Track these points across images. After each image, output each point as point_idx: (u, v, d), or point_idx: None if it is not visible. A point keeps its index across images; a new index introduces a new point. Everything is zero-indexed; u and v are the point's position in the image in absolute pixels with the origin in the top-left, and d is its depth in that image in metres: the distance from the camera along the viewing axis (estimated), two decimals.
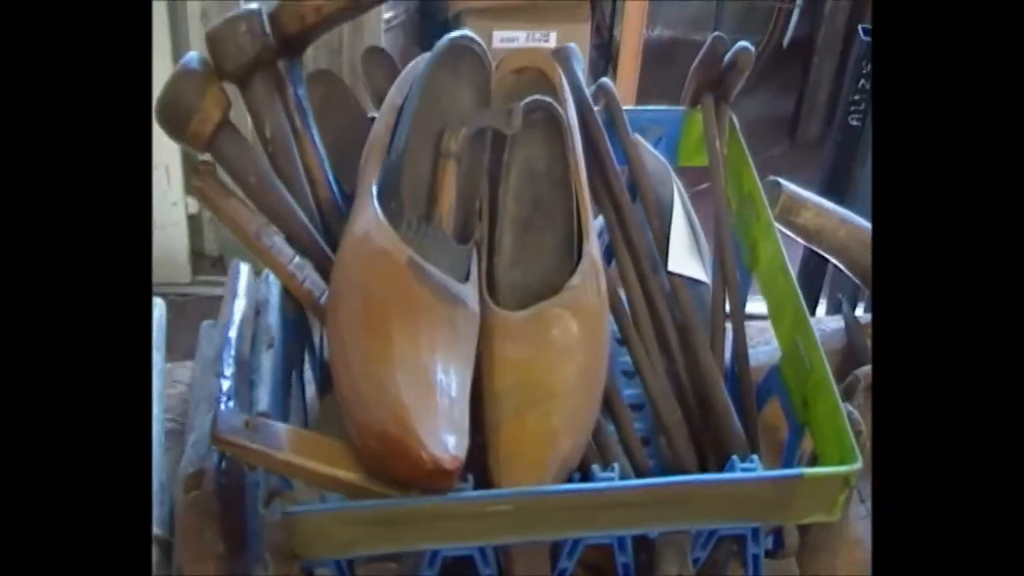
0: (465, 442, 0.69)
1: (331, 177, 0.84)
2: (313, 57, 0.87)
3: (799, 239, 1.04)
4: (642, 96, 2.37)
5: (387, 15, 2.10)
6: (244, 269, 1.01)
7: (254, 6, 0.80)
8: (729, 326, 0.89)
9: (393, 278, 0.72)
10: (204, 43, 0.80)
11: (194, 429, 0.87)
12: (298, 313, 0.85)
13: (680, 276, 0.88)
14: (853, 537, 0.88)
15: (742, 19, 2.93)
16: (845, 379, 0.95)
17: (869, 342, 1.03)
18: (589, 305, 0.78)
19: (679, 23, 2.99)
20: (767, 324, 0.90)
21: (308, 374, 0.90)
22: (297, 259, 0.79)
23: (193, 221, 2.23)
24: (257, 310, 0.98)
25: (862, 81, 1.66)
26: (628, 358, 0.86)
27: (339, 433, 0.72)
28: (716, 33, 0.94)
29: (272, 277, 0.96)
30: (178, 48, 1.99)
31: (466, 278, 0.77)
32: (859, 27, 1.70)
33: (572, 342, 0.76)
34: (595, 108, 0.92)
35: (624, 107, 0.95)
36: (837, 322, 1.07)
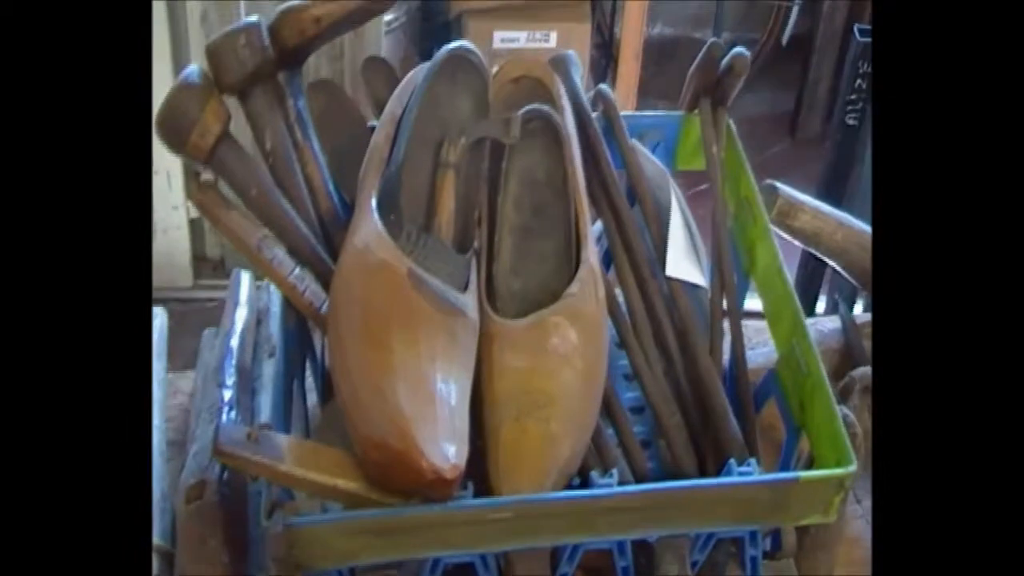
0: (465, 450, 0.70)
1: (332, 187, 0.85)
2: (314, 62, 0.88)
3: (797, 242, 1.04)
4: (643, 94, 2.37)
5: (387, 17, 2.09)
6: (245, 277, 1.02)
7: (253, 19, 0.80)
8: (727, 329, 0.89)
9: (393, 289, 0.73)
10: (204, 45, 0.80)
11: (196, 439, 0.87)
12: (299, 321, 0.85)
13: (678, 280, 0.88)
14: (849, 536, 0.89)
15: (742, 17, 2.93)
16: (842, 379, 0.96)
17: (866, 342, 1.04)
18: (588, 312, 0.79)
19: (679, 21, 2.99)
20: (765, 324, 0.91)
21: (309, 381, 0.91)
22: (297, 270, 0.80)
23: (195, 225, 2.23)
24: (259, 318, 0.98)
25: (859, 81, 1.66)
26: (627, 361, 0.86)
27: (341, 440, 0.72)
28: (713, 39, 0.95)
29: (273, 285, 0.96)
30: (178, 51, 1.99)
31: (465, 287, 0.78)
32: (855, 27, 1.70)
33: (571, 349, 0.77)
34: (593, 114, 0.93)
35: (622, 113, 0.95)
36: (835, 322, 1.08)
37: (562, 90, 0.90)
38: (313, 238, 0.82)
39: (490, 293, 0.81)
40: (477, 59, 0.85)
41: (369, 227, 0.76)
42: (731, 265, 0.89)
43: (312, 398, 0.90)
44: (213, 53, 0.79)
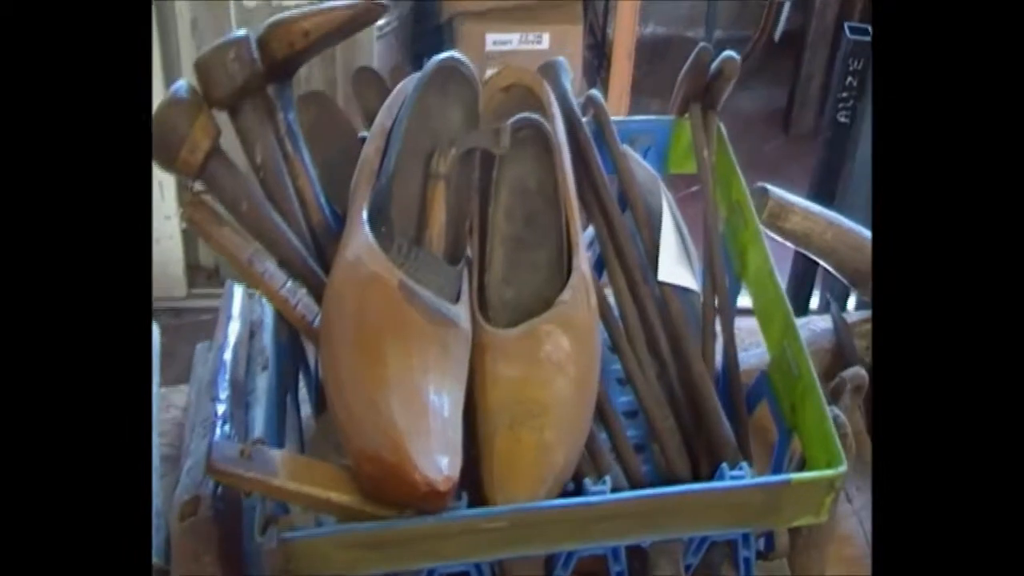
0: (458, 462, 0.70)
1: (323, 200, 0.85)
2: (305, 68, 0.88)
3: (788, 243, 1.05)
4: (636, 93, 2.38)
5: (379, 22, 2.09)
6: (237, 291, 1.02)
7: (242, 33, 0.80)
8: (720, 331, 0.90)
9: (385, 302, 0.73)
10: (194, 52, 0.81)
11: (190, 454, 0.87)
12: (292, 334, 0.86)
13: (670, 285, 0.89)
14: (841, 534, 0.90)
15: (734, 15, 2.93)
16: (834, 378, 0.96)
17: (857, 341, 1.05)
18: (580, 320, 0.79)
19: (672, 20, 2.99)
20: (757, 326, 0.91)
21: (303, 393, 0.91)
22: (289, 283, 0.80)
23: (188, 234, 2.23)
24: (252, 331, 0.98)
25: (850, 78, 1.67)
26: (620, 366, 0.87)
27: (336, 451, 0.73)
28: (702, 44, 0.95)
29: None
30: (168, 59, 1.98)
31: (457, 298, 0.78)
32: (845, 25, 1.70)
33: (564, 357, 0.77)
34: (584, 120, 0.93)
35: (613, 118, 0.95)
36: (827, 321, 1.08)
37: (552, 97, 0.90)
38: (305, 251, 0.82)
39: (482, 303, 0.82)
40: (467, 69, 0.85)
41: (360, 240, 0.76)
42: (723, 269, 0.90)
43: (306, 409, 0.91)
44: (202, 68, 0.79)
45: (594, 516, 0.74)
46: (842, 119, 1.70)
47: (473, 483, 0.74)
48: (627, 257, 0.89)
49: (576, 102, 0.94)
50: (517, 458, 0.74)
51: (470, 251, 0.84)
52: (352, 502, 0.69)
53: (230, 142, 0.80)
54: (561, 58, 0.98)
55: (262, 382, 0.91)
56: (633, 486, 0.82)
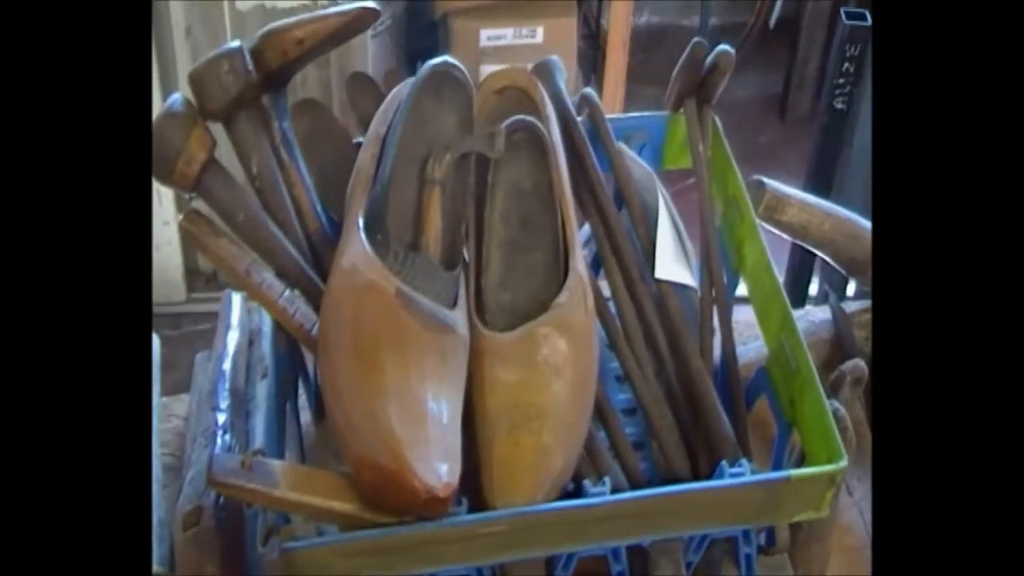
0: (458, 468, 0.70)
1: (319, 208, 0.85)
2: (301, 72, 0.88)
3: (785, 236, 1.05)
4: (631, 81, 2.37)
5: None
6: (236, 299, 1.02)
7: (236, 44, 0.80)
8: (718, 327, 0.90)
9: (382, 310, 0.74)
10: (189, 58, 0.81)
11: (192, 465, 0.88)
12: (290, 342, 0.86)
13: (667, 282, 0.89)
14: (842, 525, 0.90)
15: (729, 1, 2.93)
16: (834, 369, 0.97)
17: (856, 332, 1.05)
18: (577, 322, 0.80)
19: (666, 8, 2.98)
20: (754, 320, 0.92)
21: (302, 399, 0.91)
22: (287, 293, 0.80)
23: (186, 239, 2.21)
24: (251, 339, 0.98)
25: (846, 64, 1.67)
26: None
27: (335, 459, 0.73)
28: (696, 39, 0.95)
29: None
30: (163, 66, 1.97)
31: (454, 303, 0.79)
32: (841, 10, 1.70)
33: (561, 360, 0.77)
34: (579, 118, 0.93)
35: (608, 116, 0.96)
36: (826, 312, 1.08)
37: (546, 98, 0.90)
38: (302, 260, 0.82)
39: (479, 307, 0.82)
40: (461, 73, 0.85)
41: (356, 248, 0.77)
42: (720, 263, 0.90)
43: (306, 416, 0.91)
44: (196, 80, 0.79)
45: (594, 517, 0.75)
46: (838, 105, 1.70)
47: (473, 488, 0.74)
48: (624, 255, 0.89)
49: (571, 101, 0.94)
50: (516, 462, 0.74)
51: (466, 255, 0.84)
52: (353, 510, 0.70)
53: (226, 154, 0.80)
54: (555, 57, 0.98)
55: (262, 390, 0.92)
56: (632, 485, 0.82)
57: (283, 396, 0.83)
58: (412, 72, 0.87)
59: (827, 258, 1.07)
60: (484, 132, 0.83)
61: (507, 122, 0.84)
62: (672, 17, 2.99)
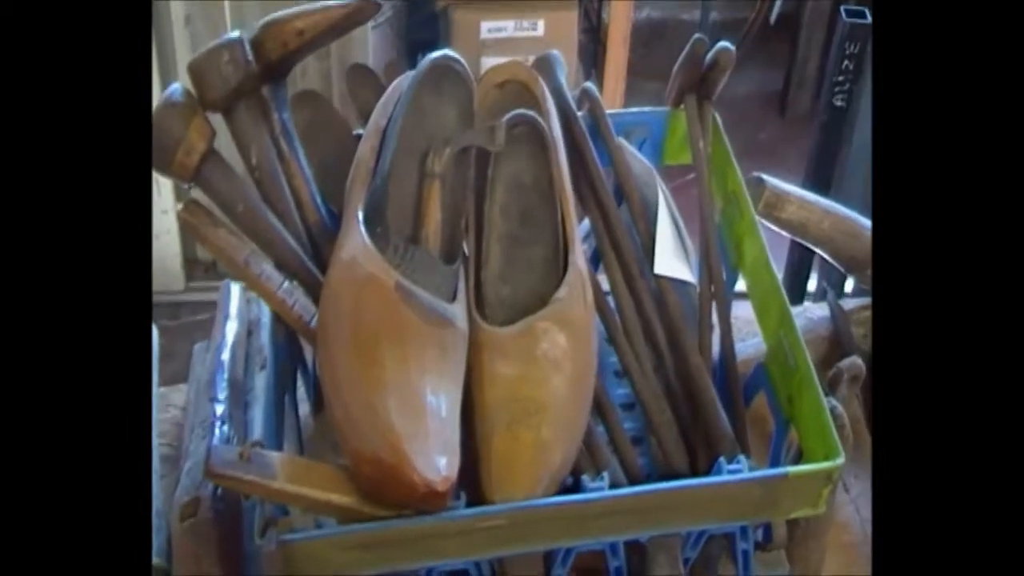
0: (456, 462, 0.70)
1: (319, 199, 0.85)
2: (301, 63, 0.88)
3: (784, 233, 1.05)
4: (632, 77, 2.37)
5: None
6: (235, 290, 1.02)
7: (236, 35, 0.80)
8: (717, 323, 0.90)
9: (381, 303, 0.74)
10: (188, 47, 0.81)
11: (189, 455, 0.88)
12: (289, 333, 0.86)
13: (667, 278, 0.89)
14: (839, 521, 0.90)
15: None
16: (832, 366, 0.97)
17: (854, 329, 1.05)
18: (576, 316, 0.80)
19: (667, 4, 2.98)
20: (754, 316, 0.92)
21: (301, 391, 0.91)
22: (286, 284, 0.80)
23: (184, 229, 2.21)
24: (249, 330, 0.98)
25: (846, 62, 1.67)
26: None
27: (333, 451, 0.73)
28: (697, 36, 0.95)
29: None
30: (163, 54, 1.97)
31: (454, 297, 0.78)
32: (841, 8, 1.70)
33: (560, 355, 0.77)
34: (579, 113, 0.93)
35: (608, 111, 0.96)
36: (824, 309, 1.08)
37: (547, 92, 0.90)
38: (301, 251, 0.82)
39: (479, 301, 0.82)
40: (461, 67, 0.85)
41: (356, 241, 0.77)
42: (719, 260, 0.90)
43: (304, 408, 0.91)
44: (196, 71, 0.79)
45: (592, 513, 0.75)
46: (838, 103, 1.70)
47: (471, 482, 0.74)
48: (623, 250, 0.89)
49: (571, 96, 0.94)
50: (515, 456, 0.74)
51: (466, 249, 0.84)
52: (351, 503, 0.69)
53: (225, 144, 0.80)
54: (556, 52, 0.98)
55: (260, 381, 0.92)
56: (630, 479, 0.82)
57: (282, 388, 0.83)
58: (413, 64, 0.87)
59: (826, 255, 1.07)
60: (484, 126, 0.83)
61: (507, 116, 0.84)
62: (673, 12, 2.99)
